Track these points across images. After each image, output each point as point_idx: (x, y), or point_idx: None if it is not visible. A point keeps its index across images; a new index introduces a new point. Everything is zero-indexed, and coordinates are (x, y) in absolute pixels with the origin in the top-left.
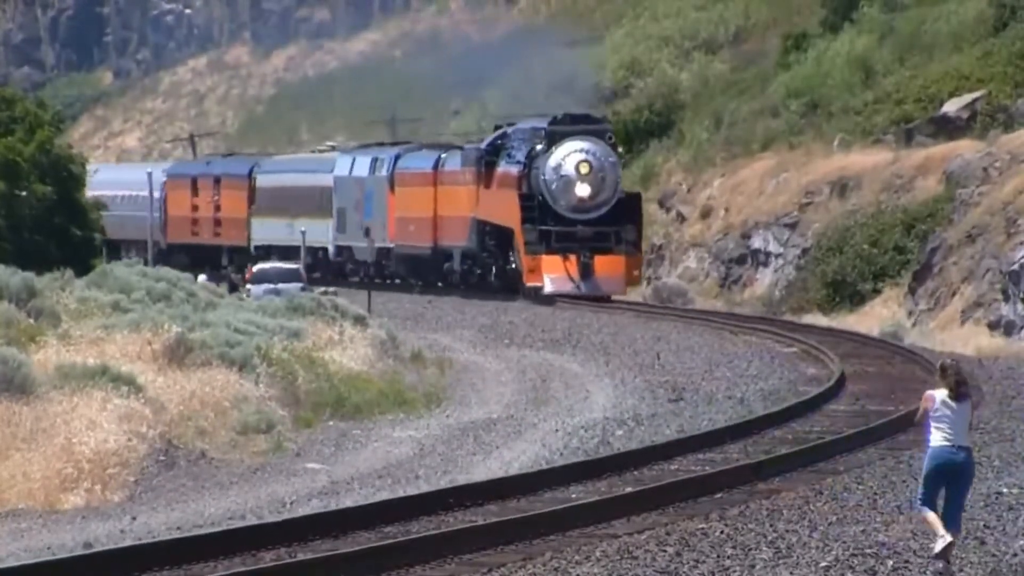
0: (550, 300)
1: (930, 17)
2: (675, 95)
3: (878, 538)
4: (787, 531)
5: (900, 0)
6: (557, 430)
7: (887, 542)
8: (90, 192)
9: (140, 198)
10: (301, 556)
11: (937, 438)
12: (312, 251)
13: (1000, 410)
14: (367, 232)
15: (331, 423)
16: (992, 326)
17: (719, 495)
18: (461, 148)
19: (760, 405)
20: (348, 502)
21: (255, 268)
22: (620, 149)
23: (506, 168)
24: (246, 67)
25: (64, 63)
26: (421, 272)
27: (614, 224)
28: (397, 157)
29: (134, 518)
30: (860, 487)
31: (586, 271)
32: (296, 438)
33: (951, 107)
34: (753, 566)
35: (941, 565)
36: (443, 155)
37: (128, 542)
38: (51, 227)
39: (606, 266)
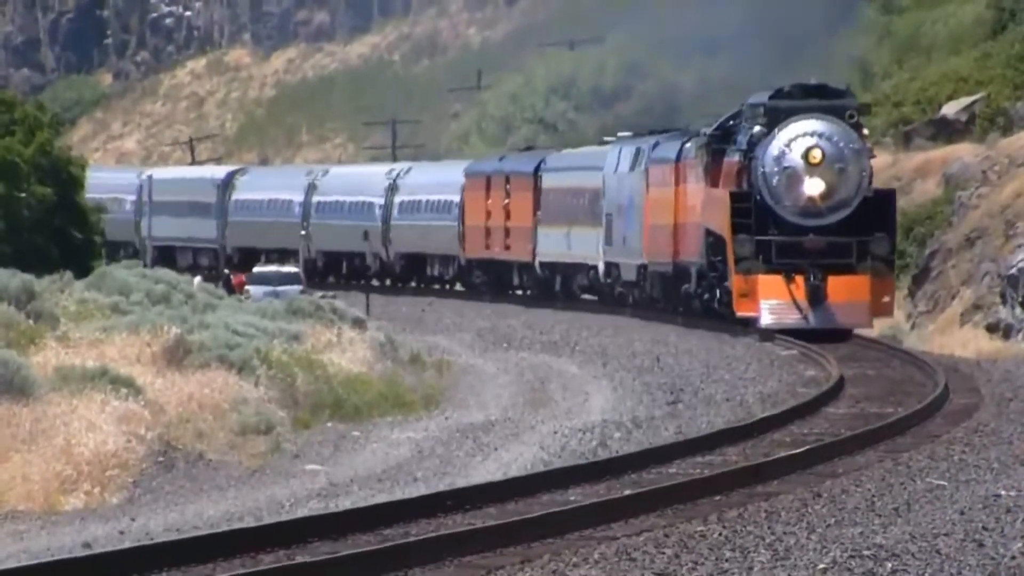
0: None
1: (928, 20)
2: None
3: (876, 540)
4: (785, 533)
5: (898, 2)
6: (555, 432)
7: (885, 544)
8: (399, 198)
9: (442, 203)
10: (300, 558)
11: None
12: (584, 269)
13: (998, 412)
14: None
15: (330, 425)
16: (990, 329)
17: (717, 497)
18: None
19: (759, 407)
20: (347, 504)
21: (254, 270)
22: (866, 131)
23: (730, 159)
24: (246, 69)
25: (64, 65)
26: (670, 295)
27: (857, 233)
28: (655, 147)
29: (133, 520)
30: (858, 489)
31: (816, 296)
32: (295, 440)
33: (950, 110)
34: (751, 568)
35: None
36: (687, 143)
37: (127, 544)
38: (51, 229)
39: (844, 290)
